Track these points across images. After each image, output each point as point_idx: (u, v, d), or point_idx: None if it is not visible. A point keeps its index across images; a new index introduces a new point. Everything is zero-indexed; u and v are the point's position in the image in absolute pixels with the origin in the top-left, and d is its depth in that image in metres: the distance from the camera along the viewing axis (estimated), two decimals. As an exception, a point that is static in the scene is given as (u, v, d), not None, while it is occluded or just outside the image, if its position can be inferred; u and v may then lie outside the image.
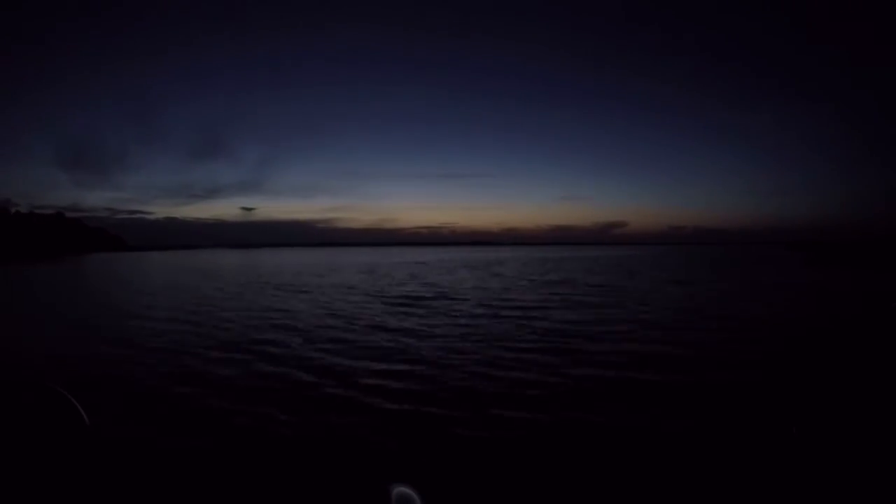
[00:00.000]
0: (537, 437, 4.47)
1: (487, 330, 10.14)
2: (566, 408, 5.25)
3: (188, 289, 20.77)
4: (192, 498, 3.42)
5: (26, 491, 1.01)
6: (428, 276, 28.87)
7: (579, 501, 3.39)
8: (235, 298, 16.56)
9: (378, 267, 39.50)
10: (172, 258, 69.21)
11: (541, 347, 8.26)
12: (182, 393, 5.89)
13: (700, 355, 7.61)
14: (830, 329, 9.94)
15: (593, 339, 8.92)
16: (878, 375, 5.85)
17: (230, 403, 5.47)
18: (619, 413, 5.07)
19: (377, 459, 3.98)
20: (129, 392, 5.96)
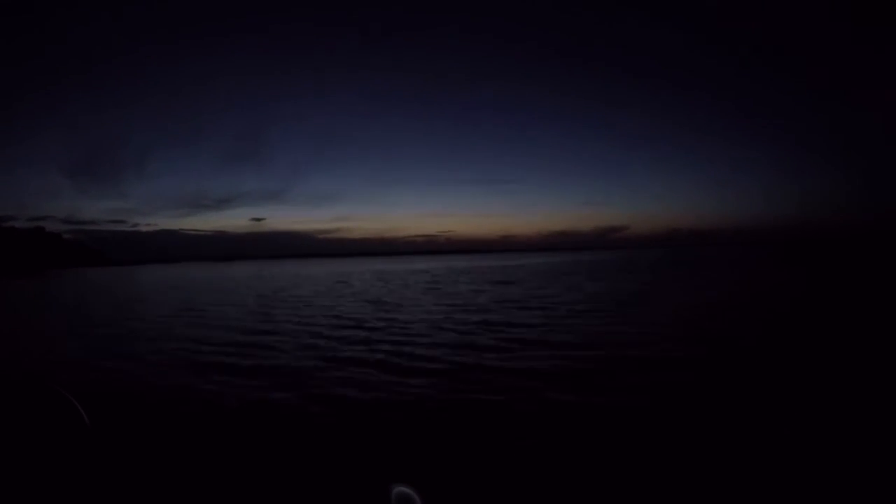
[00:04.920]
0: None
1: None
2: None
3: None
4: (194, 498, 3.35)
5: (26, 491, 1.00)
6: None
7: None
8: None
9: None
10: (137, 274, 66.05)
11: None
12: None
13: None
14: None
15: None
16: (878, 375, 6.00)
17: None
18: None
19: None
20: None
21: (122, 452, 3.80)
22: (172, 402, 5.88)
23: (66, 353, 9.35)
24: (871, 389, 5.60)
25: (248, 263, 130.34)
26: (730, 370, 6.58)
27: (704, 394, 5.56)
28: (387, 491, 1.20)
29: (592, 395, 5.52)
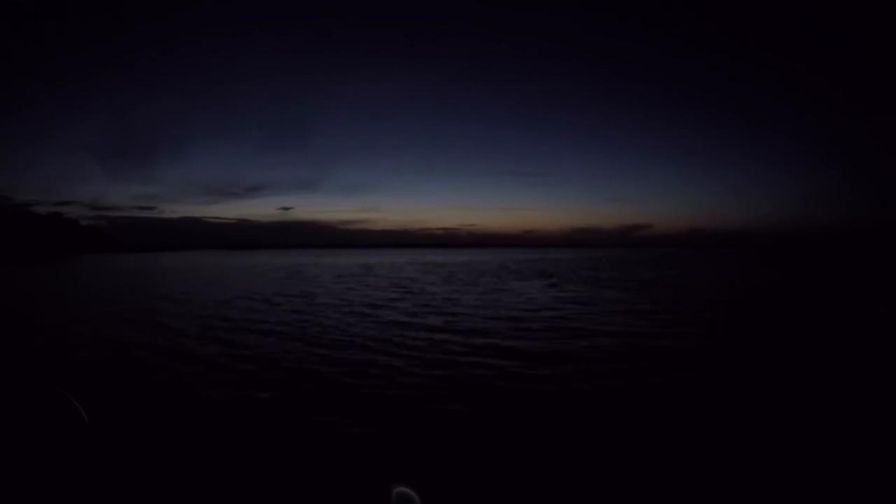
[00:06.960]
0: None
1: None
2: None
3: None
4: (193, 498, 3.37)
5: (27, 491, 1.00)
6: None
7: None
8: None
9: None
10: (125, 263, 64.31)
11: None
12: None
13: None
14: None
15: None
16: (870, 380, 5.92)
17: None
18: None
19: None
20: None
21: (122, 452, 3.82)
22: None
23: None
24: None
25: (271, 253, 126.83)
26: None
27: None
28: (387, 491, 1.19)
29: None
